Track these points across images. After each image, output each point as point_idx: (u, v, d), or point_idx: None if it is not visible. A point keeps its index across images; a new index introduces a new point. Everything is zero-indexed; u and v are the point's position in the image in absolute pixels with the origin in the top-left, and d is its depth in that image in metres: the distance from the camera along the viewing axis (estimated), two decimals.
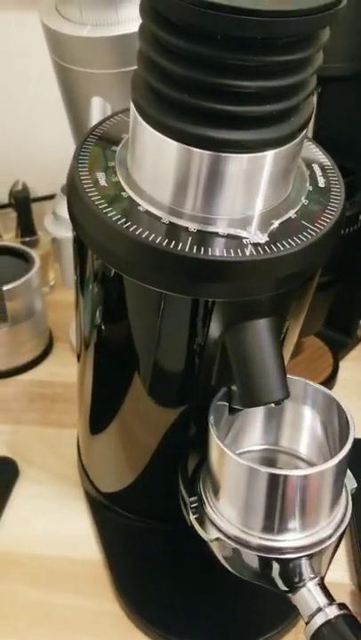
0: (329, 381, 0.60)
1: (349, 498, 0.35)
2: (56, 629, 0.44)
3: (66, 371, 0.62)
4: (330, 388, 0.61)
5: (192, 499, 0.35)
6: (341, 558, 0.48)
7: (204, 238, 0.30)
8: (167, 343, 0.35)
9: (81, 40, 0.47)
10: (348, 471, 0.36)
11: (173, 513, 0.38)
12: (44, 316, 0.63)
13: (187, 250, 0.29)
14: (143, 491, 0.45)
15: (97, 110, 0.49)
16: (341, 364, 0.62)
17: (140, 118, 0.30)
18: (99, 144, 0.34)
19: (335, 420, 0.35)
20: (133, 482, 0.45)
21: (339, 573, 0.47)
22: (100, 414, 0.44)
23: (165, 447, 0.41)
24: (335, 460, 0.32)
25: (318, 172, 0.34)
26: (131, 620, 0.44)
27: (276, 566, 0.33)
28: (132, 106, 0.30)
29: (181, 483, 0.36)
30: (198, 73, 0.26)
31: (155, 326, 0.34)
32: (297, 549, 0.33)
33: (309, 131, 0.50)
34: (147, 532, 0.47)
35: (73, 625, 0.44)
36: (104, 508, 0.48)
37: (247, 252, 0.30)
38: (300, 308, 0.37)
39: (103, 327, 0.37)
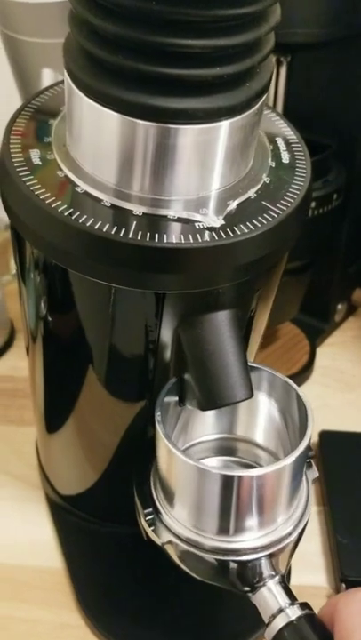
0: (306, 369, 0.58)
1: (310, 490, 0.33)
2: None
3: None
4: (307, 376, 0.58)
5: (147, 511, 0.32)
6: (319, 561, 0.45)
7: (150, 223, 0.27)
8: (117, 336, 0.32)
9: (28, 7, 0.43)
10: (312, 462, 0.33)
11: (134, 516, 0.36)
12: (5, 306, 0.59)
13: (130, 236, 0.26)
14: (104, 493, 0.42)
15: (48, 83, 0.45)
16: (319, 350, 0.60)
17: (73, 87, 0.26)
18: (35, 117, 0.30)
19: (294, 408, 0.33)
20: (93, 483, 0.42)
21: (316, 577, 0.44)
22: (55, 411, 0.40)
23: (125, 446, 0.38)
24: (292, 457, 0.29)
25: (282, 146, 0.31)
26: (93, 632, 0.41)
27: (233, 567, 0.30)
28: (65, 73, 0.27)
29: (136, 491, 0.33)
30: (133, 30, 0.22)
31: (102, 319, 0.31)
32: (255, 550, 0.31)
33: (279, 104, 0.47)
34: (109, 537, 0.44)
35: (32, 637, 0.41)
36: (65, 512, 0.45)
37: (200, 238, 0.26)
38: (266, 297, 0.34)
39: (49, 319, 0.34)
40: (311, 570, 0.44)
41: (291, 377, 0.56)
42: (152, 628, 0.40)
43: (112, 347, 0.32)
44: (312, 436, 0.50)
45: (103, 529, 0.44)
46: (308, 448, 0.31)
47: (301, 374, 0.57)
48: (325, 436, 0.50)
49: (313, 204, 0.46)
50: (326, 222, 0.49)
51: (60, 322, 0.34)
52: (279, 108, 0.46)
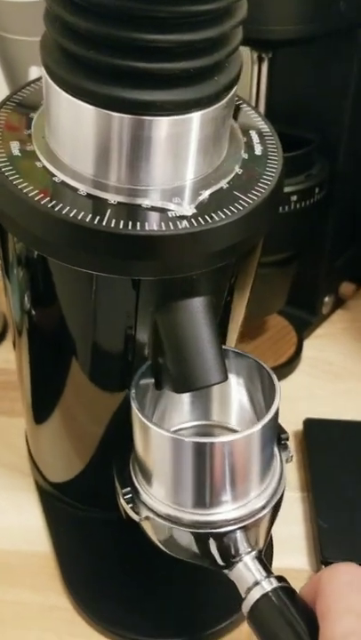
0: (293, 360, 0.59)
1: (284, 468, 0.34)
2: (4, 625, 0.42)
3: None
4: (294, 367, 0.59)
5: (125, 490, 0.33)
6: (301, 545, 0.46)
7: (126, 211, 0.28)
8: (97, 324, 0.33)
9: (17, 6, 0.44)
10: (288, 444, 0.34)
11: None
12: None
13: (105, 224, 0.27)
14: (90, 479, 0.43)
15: None
16: (306, 342, 0.61)
17: (50, 81, 0.27)
18: (16, 111, 0.31)
19: (259, 385, 0.34)
20: (80, 471, 0.43)
21: (298, 560, 0.45)
22: (41, 401, 0.42)
23: (109, 434, 0.39)
24: (260, 425, 0.30)
25: (256, 138, 0.32)
26: (80, 614, 0.42)
27: (211, 541, 0.32)
28: (42, 69, 0.28)
29: (115, 472, 0.34)
30: (104, 26, 0.24)
31: (83, 307, 0.32)
32: (229, 522, 0.32)
33: (261, 100, 0.48)
34: (96, 522, 0.45)
35: (22, 620, 0.42)
36: (53, 499, 0.47)
37: (172, 226, 0.27)
38: (243, 285, 0.35)
39: (33, 311, 0.35)
40: (294, 553, 0.45)
41: (278, 368, 0.57)
42: (137, 610, 0.41)
43: (93, 334, 0.34)
44: (297, 423, 0.52)
45: (90, 514, 0.45)
46: (276, 420, 0.32)
47: (289, 365, 0.58)
48: (310, 423, 0.51)
49: (295, 198, 0.47)
50: (309, 215, 0.50)
51: (44, 313, 0.35)
52: (262, 103, 0.47)
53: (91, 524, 0.45)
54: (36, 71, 0.47)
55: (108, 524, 0.44)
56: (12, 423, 0.53)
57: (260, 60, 0.46)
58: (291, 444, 0.37)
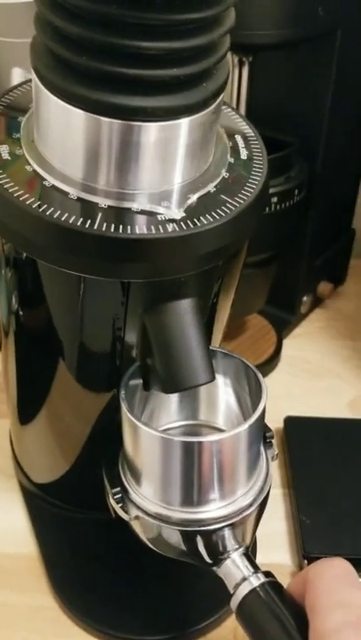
0: (273, 359, 0.60)
1: (270, 466, 0.35)
2: None
3: None
4: (274, 365, 0.60)
5: (114, 490, 0.33)
6: (284, 540, 0.47)
7: (115, 215, 0.28)
8: (86, 326, 0.33)
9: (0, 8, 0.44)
10: (273, 441, 0.35)
11: (106, 502, 0.37)
12: None
13: (95, 227, 0.27)
14: (75, 480, 0.44)
15: (17, 81, 0.46)
16: (286, 341, 0.62)
17: (40, 85, 0.27)
18: (4, 114, 0.31)
19: (246, 385, 0.35)
20: (65, 472, 0.43)
21: (281, 555, 0.46)
22: (28, 403, 0.42)
23: (96, 435, 0.40)
24: (246, 424, 0.31)
25: (241, 143, 0.33)
26: (66, 614, 0.43)
27: (199, 539, 0.32)
28: (32, 73, 0.28)
29: (105, 472, 0.35)
30: (94, 32, 0.24)
31: (72, 309, 0.32)
32: (217, 520, 0.32)
33: (242, 103, 0.48)
34: (81, 522, 0.45)
35: (8, 621, 0.43)
36: (38, 499, 0.47)
37: (161, 229, 0.28)
38: (228, 286, 0.35)
39: (21, 313, 0.35)
40: (277, 549, 0.46)
41: (258, 366, 0.57)
42: (123, 609, 0.42)
43: (81, 336, 0.34)
44: (277, 421, 0.52)
45: (75, 515, 0.45)
46: (263, 419, 0.33)
47: (268, 364, 0.59)
48: (290, 421, 0.52)
49: (275, 199, 0.48)
50: (289, 216, 0.51)
51: (32, 315, 0.35)
52: (242, 106, 0.48)
53: (75, 524, 0.45)
54: (18, 73, 0.47)
55: (93, 523, 0.45)
56: None
57: (241, 64, 0.46)
58: None
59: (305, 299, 0.62)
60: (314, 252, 0.59)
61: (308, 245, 0.58)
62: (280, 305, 0.62)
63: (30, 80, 0.33)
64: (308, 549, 0.44)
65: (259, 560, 0.44)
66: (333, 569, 0.30)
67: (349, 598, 0.28)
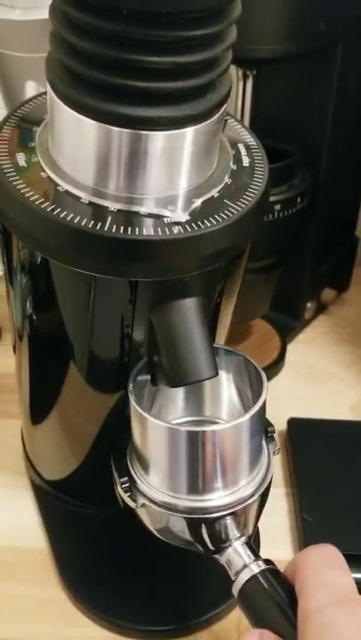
0: (277, 364, 0.61)
1: (271, 460, 0.36)
2: (1, 619, 0.44)
3: (13, 361, 0.61)
4: (278, 370, 0.61)
5: (122, 479, 0.35)
6: (286, 537, 0.48)
7: (124, 218, 0.30)
8: (96, 326, 0.35)
9: (11, 23, 0.46)
10: (275, 437, 0.36)
11: (115, 497, 0.38)
12: None
13: (105, 229, 0.29)
14: (86, 476, 0.45)
15: (31, 94, 0.48)
16: (289, 346, 0.63)
17: (55, 97, 0.29)
18: (20, 125, 0.33)
19: (247, 380, 0.36)
20: (76, 468, 0.45)
21: (283, 551, 0.48)
22: (40, 403, 0.43)
23: (105, 432, 0.41)
24: (248, 415, 0.33)
25: (243, 151, 0.34)
26: (76, 606, 0.44)
27: (203, 527, 0.33)
28: (47, 85, 0.30)
29: (113, 463, 0.36)
30: (105, 48, 0.26)
31: (83, 309, 0.34)
32: (220, 508, 0.34)
33: (246, 115, 0.50)
34: (89, 518, 0.47)
35: (19, 613, 0.44)
36: (48, 496, 0.48)
37: (167, 231, 0.30)
38: (231, 288, 0.37)
39: (35, 316, 0.37)
40: (279, 545, 0.48)
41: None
42: (131, 600, 0.43)
43: (91, 335, 0.35)
44: (281, 423, 0.54)
45: (84, 511, 0.47)
46: (264, 412, 0.34)
47: (272, 368, 0.60)
48: (293, 422, 0.53)
49: (278, 207, 0.49)
50: (292, 224, 0.52)
51: (45, 317, 0.37)
52: (247, 118, 0.49)
53: (84, 519, 0.47)
54: (32, 86, 0.49)
55: (102, 519, 0.46)
56: (8, 424, 0.55)
57: (245, 77, 0.48)
58: None
59: (309, 305, 0.63)
60: (317, 259, 0.61)
61: (312, 252, 0.59)
62: (284, 311, 0.63)
63: (43, 93, 0.36)
64: (309, 545, 0.45)
65: (262, 555, 0.46)
66: (320, 554, 0.31)
67: (334, 579, 0.30)
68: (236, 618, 0.43)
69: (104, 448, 0.41)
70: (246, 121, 0.50)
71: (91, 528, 0.47)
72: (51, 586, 0.45)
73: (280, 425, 0.54)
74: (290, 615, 0.31)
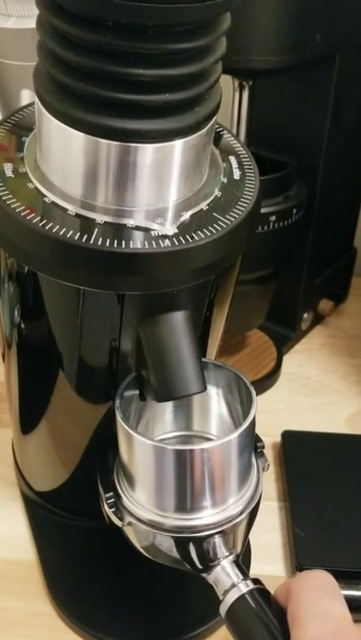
0: (272, 375, 0.60)
1: (261, 476, 0.36)
2: None
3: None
4: (274, 381, 0.61)
5: (108, 495, 0.34)
6: (278, 552, 0.48)
7: (112, 230, 0.30)
8: (84, 338, 0.34)
9: (6, 32, 0.46)
10: (265, 452, 0.36)
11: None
12: None
13: (92, 242, 0.29)
14: (75, 488, 0.45)
15: (27, 103, 0.48)
16: (286, 357, 0.63)
17: (42, 109, 0.29)
18: (9, 134, 0.33)
19: (237, 395, 0.36)
20: (65, 480, 0.44)
21: (275, 566, 0.47)
22: (29, 413, 0.43)
23: (95, 444, 0.41)
24: (237, 432, 0.32)
25: (235, 164, 0.34)
26: (64, 620, 0.43)
27: (191, 545, 0.33)
28: (35, 96, 0.30)
29: (99, 479, 0.36)
30: (92, 60, 0.26)
31: (70, 321, 0.33)
32: (208, 526, 0.33)
33: (242, 126, 0.50)
34: (79, 530, 0.46)
35: (5, 626, 0.43)
36: (38, 507, 0.48)
37: (155, 245, 0.29)
38: (221, 301, 0.37)
39: (22, 325, 0.37)
40: (271, 560, 0.47)
41: (258, 382, 0.59)
42: (120, 615, 0.43)
43: (79, 347, 0.35)
44: (275, 435, 0.53)
45: (74, 523, 0.46)
46: (253, 428, 0.34)
47: (268, 379, 0.60)
48: (287, 435, 0.53)
49: (273, 218, 0.49)
50: (288, 235, 0.52)
51: (33, 327, 0.37)
52: (243, 129, 0.49)
53: (74, 531, 0.46)
54: (27, 94, 0.49)
55: (92, 531, 0.46)
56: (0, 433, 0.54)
57: (242, 88, 0.48)
58: (269, 455, 0.38)
59: (305, 316, 0.63)
60: (314, 270, 0.60)
61: (308, 264, 0.59)
62: (281, 321, 0.63)
63: (32, 103, 0.35)
64: (300, 561, 0.45)
65: (253, 571, 0.45)
66: (315, 580, 0.31)
67: (329, 609, 0.29)
68: (224, 635, 0.43)
69: (94, 460, 0.41)
70: (242, 132, 0.49)
71: (80, 541, 0.46)
72: (39, 599, 0.45)
73: (274, 437, 0.53)
74: (277, 637, 0.30)
